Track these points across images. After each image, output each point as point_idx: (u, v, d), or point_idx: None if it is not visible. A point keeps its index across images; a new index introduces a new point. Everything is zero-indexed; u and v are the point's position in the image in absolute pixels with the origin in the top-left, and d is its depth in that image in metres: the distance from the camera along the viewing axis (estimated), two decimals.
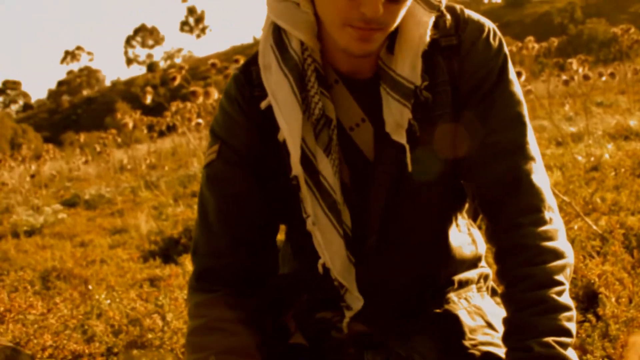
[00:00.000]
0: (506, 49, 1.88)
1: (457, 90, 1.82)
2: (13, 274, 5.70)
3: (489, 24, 1.87)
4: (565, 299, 1.67)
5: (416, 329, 1.89)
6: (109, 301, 4.34)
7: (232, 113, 1.91)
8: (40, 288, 5.65)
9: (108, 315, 3.91)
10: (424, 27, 1.76)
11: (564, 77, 16.05)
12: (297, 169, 1.77)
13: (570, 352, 1.61)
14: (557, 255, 1.72)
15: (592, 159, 7.93)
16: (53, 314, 3.66)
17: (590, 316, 3.09)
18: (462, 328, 1.86)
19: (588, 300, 3.45)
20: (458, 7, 1.86)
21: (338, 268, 1.81)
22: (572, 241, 4.17)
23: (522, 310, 1.67)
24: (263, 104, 1.82)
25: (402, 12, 1.68)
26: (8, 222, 11.84)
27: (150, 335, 3.39)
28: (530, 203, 1.78)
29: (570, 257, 1.75)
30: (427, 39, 1.76)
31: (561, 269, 1.70)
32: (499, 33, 1.88)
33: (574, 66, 12.22)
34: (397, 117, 1.75)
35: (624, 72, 19.38)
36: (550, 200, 1.81)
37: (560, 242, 1.76)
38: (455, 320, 1.87)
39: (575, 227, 4.47)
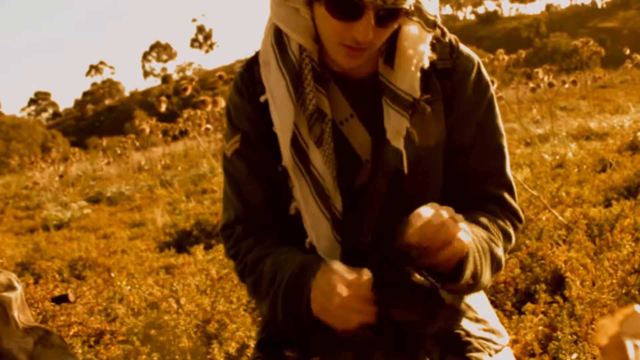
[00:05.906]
0: (490, 82, 1.91)
1: (449, 109, 1.83)
2: (44, 263, 5.69)
3: (477, 58, 1.89)
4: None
5: None
6: (129, 287, 4.32)
7: (241, 105, 1.89)
8: (69, 275, 5.66)
9: (129, 300, 3.91)
10: (423, 44, 1.76)
11: (531, 85, 16.12)
12: (286, 159, 1.78)
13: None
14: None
15: (558, 157, 7.95)
16: (80, 299, 3.64)
17: (558, 298, 3.08)
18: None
19: (556, 283, 3.44)
20: (453, 37, 1.86)
21: (323, 247, 1.81)
22: (540, 231, 4.16)
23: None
24: (262, 98, 1.82)
25: (389, 33, 1.68)
26: (39, 216, 11.87)
27: (166, 317, 3.37)
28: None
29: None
30: (428, 55, 1.77)
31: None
32: (483, 67, 1.91)
33: (540, 75, 12.30)
34: (396, 125, 1.74)
35: (584, 79, 19.52)
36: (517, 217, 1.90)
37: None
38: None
39: (544, 218, 4.47)
